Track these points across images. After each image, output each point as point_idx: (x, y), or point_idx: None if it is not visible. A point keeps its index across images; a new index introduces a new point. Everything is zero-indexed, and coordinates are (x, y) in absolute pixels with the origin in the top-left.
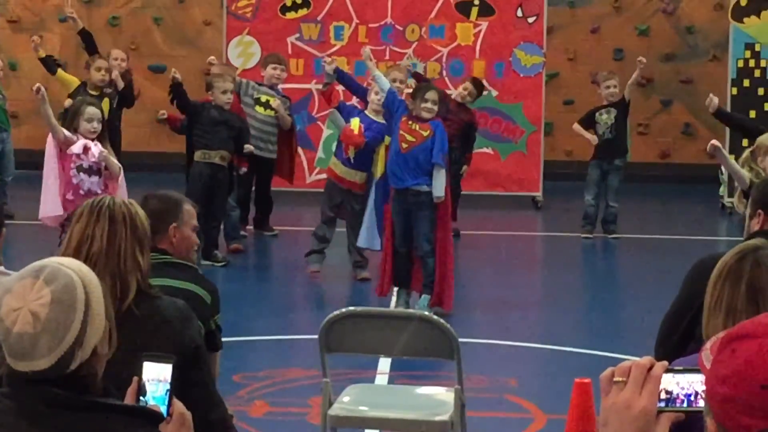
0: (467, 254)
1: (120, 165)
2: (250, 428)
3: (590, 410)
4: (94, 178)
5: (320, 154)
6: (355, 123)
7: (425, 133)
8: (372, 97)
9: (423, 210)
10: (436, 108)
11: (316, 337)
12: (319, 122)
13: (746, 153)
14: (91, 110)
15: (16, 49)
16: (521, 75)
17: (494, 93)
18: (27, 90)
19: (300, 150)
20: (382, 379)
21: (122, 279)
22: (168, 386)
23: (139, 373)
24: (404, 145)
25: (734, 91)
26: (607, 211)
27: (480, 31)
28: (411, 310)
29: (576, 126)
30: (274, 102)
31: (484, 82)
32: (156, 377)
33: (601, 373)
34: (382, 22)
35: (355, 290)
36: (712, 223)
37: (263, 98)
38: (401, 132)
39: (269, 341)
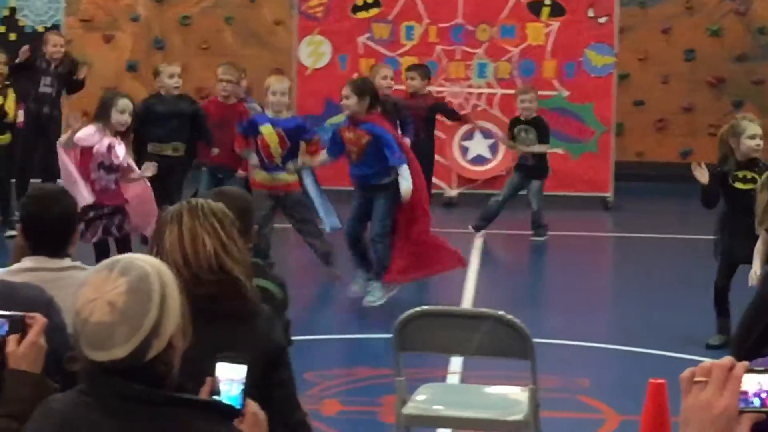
0: (538, 254)
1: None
2: (323, 426)
3: (665, 412)
4: (111, 176)
5: None
6: (268, 130)
7: (363, 140)
8: (269, 98)
9: (382, 196)
10: (349, 102)
11: (384, 335)
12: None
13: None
14: (123, 102)
15: (89, 48)
16: (592, 75)
17: (565, 93)
18: (98, 89)
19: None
20: (453, 378)
21: (212, 277)
22: (242, 386)
23: (213, 374)
24: (353, 157)
25: None
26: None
27: (551, 31)
28: (485, 310)
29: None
30: None
31: (556, 82)
32: (229, 377)
33: (676, 374)
34: (453, 22)
35: (423, 289)
36: None
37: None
38: (347, 145)
39: (338, 340)
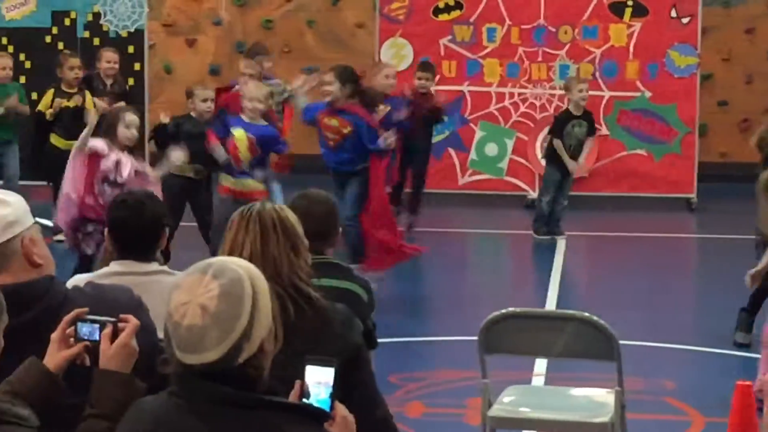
0: (620, 255)
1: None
2: (408, 429)
3: (752, 414)
4: (116, 191)
5: (473, 155)
6: (240, 135)
7: (345, 130)
8: (245, 104)
9: (355, 181)
10: (332, 87)
11: (468, 338)
12: (471, 124)
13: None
14: (130, 117)
15: (171, 53)
16: (675, 76)
17: (648, 94)
18: (181, 93)
19: (452, 151)
20: (538, 380)
21: (281, 282)
22: (330, 389)
23: (302, 377)
24: (330, 143)
25: None
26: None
27: (633, 31)
28: (570, 311)
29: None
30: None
31: (639, 83)
32: (318, 380)
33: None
34: (535, 24)
35: (504, 291)
36: None
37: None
38: (323, 130)
39: (422, 342)
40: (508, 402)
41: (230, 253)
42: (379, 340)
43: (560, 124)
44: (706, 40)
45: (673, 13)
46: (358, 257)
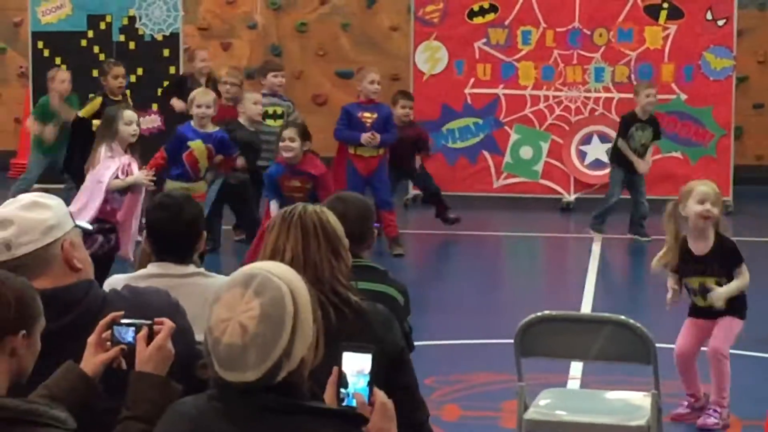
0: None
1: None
2: None
3: None
4: (124, 196)
5: (508, 158)
6: (198, 145)
7: (308, 186)
8: (195, 110)
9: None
10: (294, 145)
11: (503, 341)
12: (506, 127)
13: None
14: (129, 114)
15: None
16: (711, 78)
17: (683, 97)
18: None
19: (487, 154)
20: (573, 383)
21: (322, 287)
22: (368, 377)
23: (339, 364)
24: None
25: None
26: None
27: (669, 34)
28: (606, 314)
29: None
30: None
31: (674, 86)
32: (356, 369)
33: None
34: (570, 26)
35: (541, 294)
36: None
37: (270, 110)
38: (287, 192)
39: (457, 345)
40: (544, 405)
41: (272, 257)
42: (416, 343)
43: (625, 125)
44: (741, 42)
45: (709, 15)
46: None
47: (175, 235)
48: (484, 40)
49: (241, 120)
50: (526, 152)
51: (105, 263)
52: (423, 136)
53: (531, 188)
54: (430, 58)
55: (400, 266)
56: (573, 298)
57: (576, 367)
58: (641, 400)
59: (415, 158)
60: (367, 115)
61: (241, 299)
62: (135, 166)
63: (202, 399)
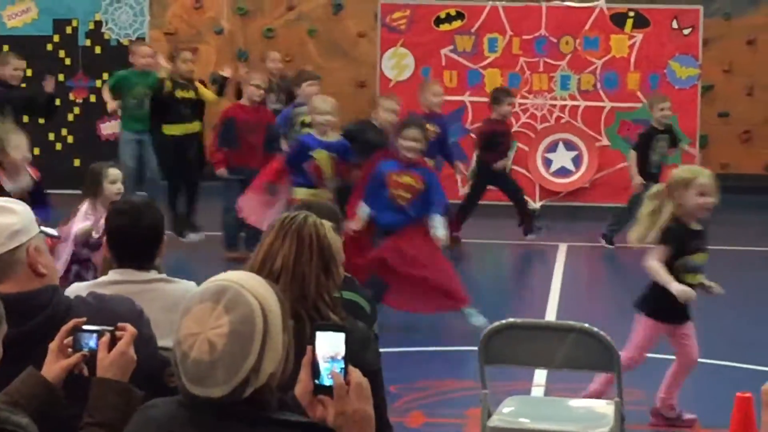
0: (620, 266)
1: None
2: None
3: (752, 425)
4: (94, 251)
5: (474, 166)
6: (322, 155)
7: (419, 186)
8: (316, 118)
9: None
10: (417, 145)
11: (468, 348)
12: (472, 134)
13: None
14: (114, 172)
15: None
16: (676, 87)
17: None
18: None
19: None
20: (538, 391)
21: (305, 303)
22: (342, 362)
23: (313, 344)
24: (402, 201)
25: None
26: None
27: (635, 42)
28: (570, 322)
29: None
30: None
31: (640, 94)
32: (330, 348)
33: (761, 386)
34: (536, 34)
35: (508, 302)
36: None
37: (308, 119)
38: (392, 190)
39: (423, 352)
40: (508, 412)
41: (263, 261)
42: (381, 350)
43: (645, 139)
44: (707, 51)
45: (675, 24)
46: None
47: (136, 241)
48: (451, 47)
49: (375, 122)
50: None
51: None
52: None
53: (497, 195)
54: (397, 64)
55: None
56: (538, 305)
57: (540, 375)
58: (604, 407)
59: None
60: (429, 127)
61: (210, 314)
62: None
63: (172, 405)
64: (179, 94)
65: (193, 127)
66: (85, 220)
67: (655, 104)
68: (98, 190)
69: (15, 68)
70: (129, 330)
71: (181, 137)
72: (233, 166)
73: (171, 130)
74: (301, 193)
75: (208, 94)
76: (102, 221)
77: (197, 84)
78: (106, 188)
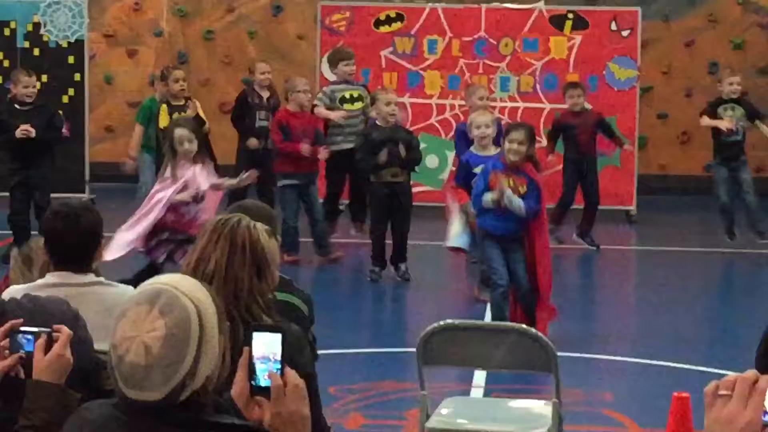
0: (559, 267)
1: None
2: None
3: (689, 425)
4: (199, 205)
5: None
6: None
7: (522, 189)
8: (474, 132)
9: (521, 249)
10: (522, 148)
11: (408, 350)
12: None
13: None
14: (178, 132)
15: (112, 63)
16: (615, 89)
17: (588, 106)
18: (122, 104)
19: None
20: (477, 392)
21: (238, 305)
22: (279, 362)
23: (249, 345)
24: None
25: None
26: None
27: (574, 44)
28: (509, 323)
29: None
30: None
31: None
32: (267, 349)
33: (699, 387)
34: (476, 36)
35: (449, 303)
36: None
37: (347, 94)
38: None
39: (363, 353)
40: (446, 414)
41: (197, 264)
42: (319, 352)
43: (711, 107)
44: (645, 53)
45: (613, 26)
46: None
47: (73, 243)
48: (391, 48)
49: (378, 122)
50: (431, 161)
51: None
52: (602, 119)
53: (436, 197)
54: None
55: (302, 273)
56: (477, 307)
57: (480, 376)
58: (543, 408)
59: (595, 147)
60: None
61: (146, 317)
62: (201, 177)
63: (108, 407)
64: (175, 116)
65: None
66: (162, 181)
67: (724, 78)
68: (174, 151)
69: (25, 86)
70: (64, 332)
71: None
72: (286, 172)
73: None
74: None
75: (202, 113)
76: (188, 175)
77: (194, 102)
78: (177, 149)
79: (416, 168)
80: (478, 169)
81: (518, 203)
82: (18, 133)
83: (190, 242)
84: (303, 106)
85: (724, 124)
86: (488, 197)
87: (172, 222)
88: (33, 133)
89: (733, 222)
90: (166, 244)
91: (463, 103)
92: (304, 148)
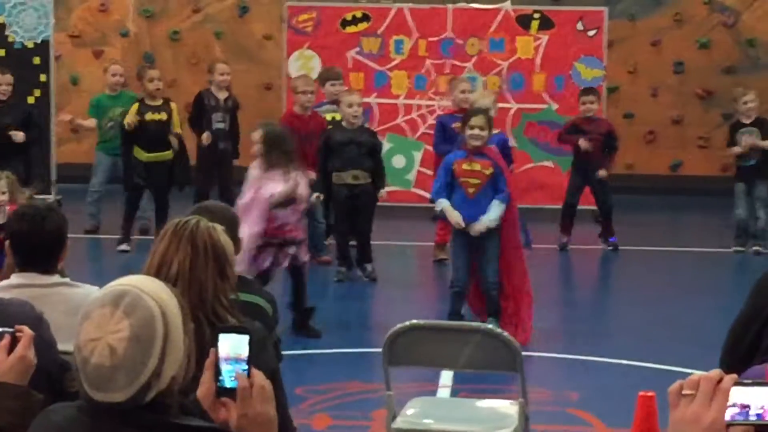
0: (532, 268)
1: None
2: None
3: (654, 424)
4: (288, 209)
5: None
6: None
7: (488, 171)
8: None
9: (489, 243)
10: (484, 133)
11: (375, 350)
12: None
13: None
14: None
15: (78, 64)
16: (581, 88)
17: (555, 106)
18: (88, 104)
19: None
20: (444, 392)
21: (203, 307)
22: (245, 364)
23: (216, 346)
24: (470, 190)
25: None
26: (757, 225)
27: (540, 44)
28: (475, 323)
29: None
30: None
31: (545, 96)
32: (233, 350)
33: (665, 386)
34: (442, 36)
35: (416, 303)
36: None
37: (329, 116)
38: (461, 179)
39: (330, 354)
40: (412, 414)
41: (159, 267)
42: (285, 353)
43: (731, 132)
44: (612, 53)
45: (580, 26)
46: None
47: (38, 245)
48: (357, 49)
49: (343, 123)
50: (398, 161)
51: (299, 273)
52: (612, 131)
53: (403, 197)
54: (304, 66)
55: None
56: (443, 307)
57: (447, 376)
58: (509, 408)
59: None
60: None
61: (110, 319)
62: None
63: (72, 410)
64: (149, 117)
65: (165, 155)
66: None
67: (738, 98)
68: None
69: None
70: (27, 333)
71: (150, 164)
72: None
73: (141, 155)
74: None
75: (177, 119)
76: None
77: (172, 105)
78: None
79: (383, 178)
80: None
81: (495, 215)
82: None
83: (294, 243)
84: (304, 107)
85: (736, 150)
86: (439, 207)
87: (267, 231)
88: (21, 136)
89: (747, 239)
90: (266, 249)
91: (430, 102)
92: (204, 136)
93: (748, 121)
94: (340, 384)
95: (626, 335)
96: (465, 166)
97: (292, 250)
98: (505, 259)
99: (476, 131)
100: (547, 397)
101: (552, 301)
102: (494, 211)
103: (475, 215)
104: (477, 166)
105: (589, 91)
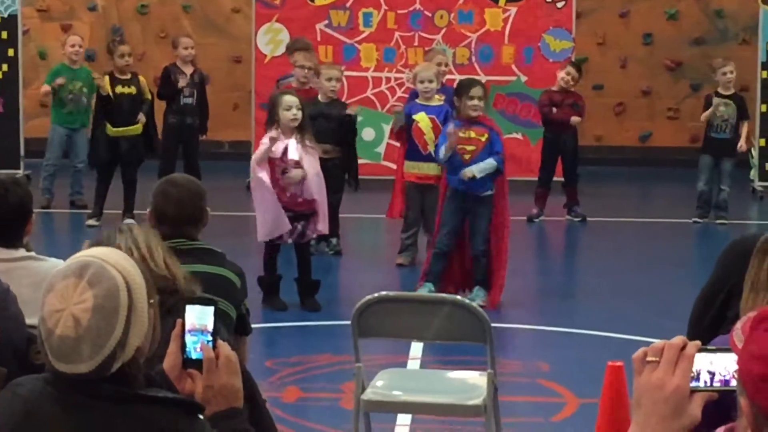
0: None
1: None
2: (283, 414)
3: (623, 394)
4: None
5: None
6: (422, 118)
7: (483, 138)
8: (418, 86)
9: (485, 210)
10: (482, 104)
11: (345, 322)
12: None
13: None
14: (287, 99)
15: (45, 39)
16: (550, 60)
17: (524, 78)
18: None
19: None
20: (414, 363)
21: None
22: (210, 335)
23: (182, 316)
24: (467, 157)
25: (765, 74)
26: (720, 196)
27: (509, 16)
28: (443, 294)
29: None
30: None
31: (514, 67)
32: (199, 321)
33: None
34: (411, 8)
35: (386, 276)
36: (743, 207)
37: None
38: (458, 146)
39: (300, 327)
40: (381, 386)
41: None
42: (255, 326)
43: (707, 102)
44: (580, 25)
45: None
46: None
47: (2, 218)
48: (326, 21)
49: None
50: (368, 134)
51: (303, 249)
52: (579, 101)
53: (373, 170)
54: (272, 40)
55: (235, 248)
56: (411, 278)
57: (417, 348)
58: (478, 379)
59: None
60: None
61: (74, 290)
62: (292, 148)
63: (39, 383)
64: (119, 90)
65: (134, 129)
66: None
67: (717, 69)
68: (276, 118)
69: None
70: None
71: (119, 138)
72: None
73: (109, 130)
74: (410, 167)
75: (146, 90)
76: (288, 145)
77: (140, 78)
78: (282, 115)
79: (353, 144)
80: (417, 116)
81: (486, 165)
82: None
83: (303, 218)
84: (301, 82)
85: (705, 116)
86: (442, 151)
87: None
88: None
89: (708, 210)
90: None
91: (399, 75)
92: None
93: (726, 93)
94: (310, 356)
95: (595, 306)
96: (461, 134)
97: (300, 224)
98: (494, 228)
99: (476, 101)
100: (518, 368)
101: (522, 272)
102: (487, 163)
103: (466, 184)
104: (472, 134)
105: (575, 64)
